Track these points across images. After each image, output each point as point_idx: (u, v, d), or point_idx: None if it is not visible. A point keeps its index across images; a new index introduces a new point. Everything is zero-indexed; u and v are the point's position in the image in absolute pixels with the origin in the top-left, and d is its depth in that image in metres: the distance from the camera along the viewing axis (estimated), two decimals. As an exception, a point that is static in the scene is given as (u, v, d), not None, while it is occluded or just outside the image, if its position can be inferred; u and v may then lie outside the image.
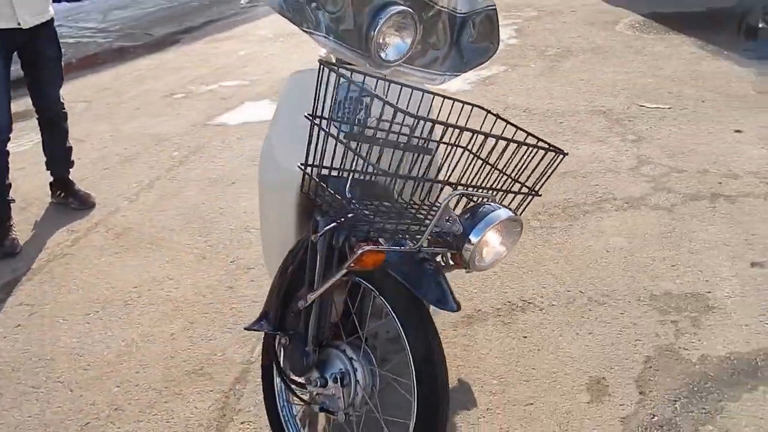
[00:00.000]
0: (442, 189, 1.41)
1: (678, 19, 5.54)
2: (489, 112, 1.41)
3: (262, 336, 1.64)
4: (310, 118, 1.35)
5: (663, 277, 2.31)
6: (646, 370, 1.92)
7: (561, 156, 1.34)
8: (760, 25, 5.36)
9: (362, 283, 1.48)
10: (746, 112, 3.60)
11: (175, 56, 5.93)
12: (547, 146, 1.32)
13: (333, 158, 1.37)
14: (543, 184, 1.35)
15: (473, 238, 1.25)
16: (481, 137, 1.27)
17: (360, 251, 1.26)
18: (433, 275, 1.33)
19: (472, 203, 1.35)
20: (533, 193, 1.37)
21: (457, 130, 1.24)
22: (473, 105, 1.44)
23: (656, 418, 1.76)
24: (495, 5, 1.63)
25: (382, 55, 1.48)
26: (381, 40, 1.46)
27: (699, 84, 4.05)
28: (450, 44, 1.64)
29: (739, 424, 1.72)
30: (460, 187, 1.30)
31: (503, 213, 1.28)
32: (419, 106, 1.40)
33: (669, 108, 3.71)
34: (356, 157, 1.31)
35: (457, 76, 1.69)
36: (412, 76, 1.62)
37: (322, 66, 1.34)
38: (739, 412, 1.75)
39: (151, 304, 2.41)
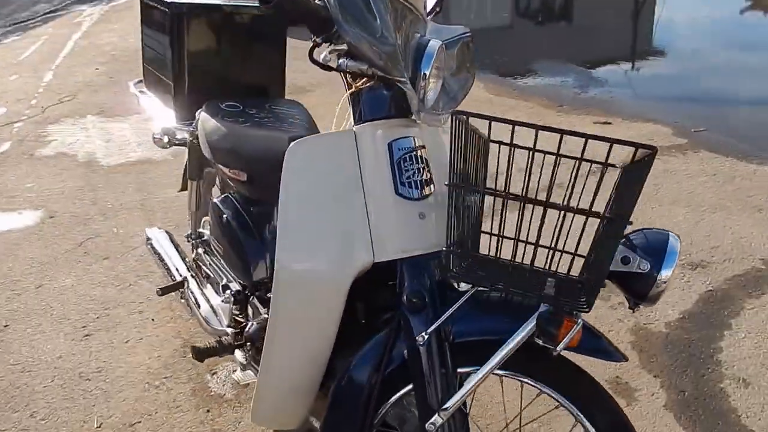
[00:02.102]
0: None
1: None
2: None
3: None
4: (456, 185, 1.03)
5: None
6: (642, 354, 1.99)
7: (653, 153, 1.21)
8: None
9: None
10: (505, 113, 4.09)
11: None
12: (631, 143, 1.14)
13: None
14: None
15: (665, 274, 1.03)
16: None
17: (575, 329, 1.00)
18: (586, 328, 1.10)
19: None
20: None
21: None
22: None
23: (686, 393, 1.84)
24: (470, 32, 1.48)
25: (428, 97, 1.20)
26: (427, 81, 1.18)
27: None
28: None
29: (739, 356, 1.94)
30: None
31: (672, 236, 1.12)
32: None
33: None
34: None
35: (450, 113, 1.49)
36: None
37: (454, 116, 1.02)
38: (731, 351, 1.97)
39: None
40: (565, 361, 1.11)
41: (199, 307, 1.86)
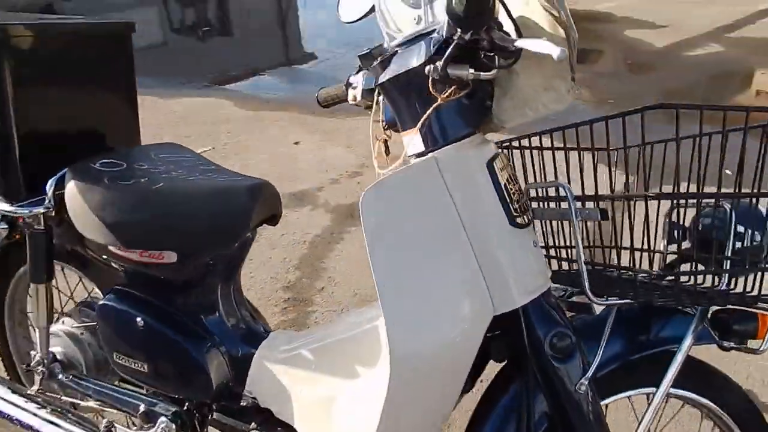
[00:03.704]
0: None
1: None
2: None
3: None
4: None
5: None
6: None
7: None
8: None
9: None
10: (274, 128, 3.92)
11: None
12: None
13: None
14: None
15: None
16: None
17: None
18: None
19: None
20: None
21: None
22: None
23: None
24: None
25: None
26: None
27: (198, 120, 4.07)
28: None
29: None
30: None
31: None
32: None
33: (212, 148, 3.60)
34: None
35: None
36: None
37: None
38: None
39: None
40: (712, 368, 1.07)
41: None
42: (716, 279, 0.94)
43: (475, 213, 0.91)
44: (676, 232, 1.01)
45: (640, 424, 0.98)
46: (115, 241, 1.19)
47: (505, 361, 1.07)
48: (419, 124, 0.91)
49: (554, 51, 0.74)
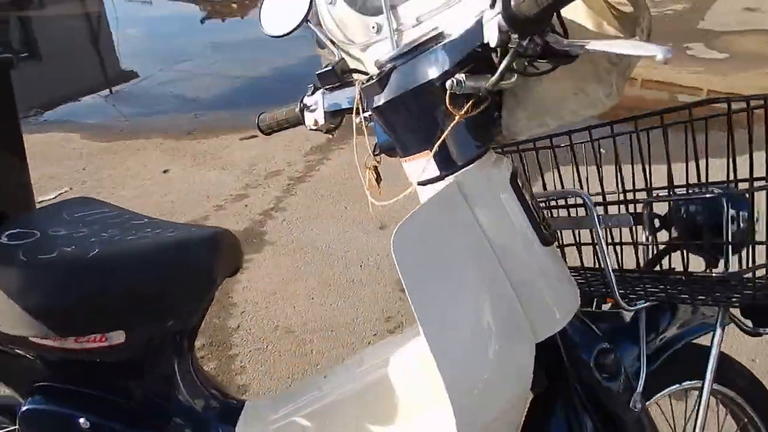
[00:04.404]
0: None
1: None
2: None
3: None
4: None
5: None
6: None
7: None
8: None
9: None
10: (135, 159, 3.58)
11: None
12: None
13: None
14: None
15: None
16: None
17: None
18: None
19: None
20: None
21: None
22: None
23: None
24: None
25: None
26: None
27: (44, 160, 3.62)
28: None
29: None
30: None
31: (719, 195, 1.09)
32: None
33: (70, 189, 3.21)
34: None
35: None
36: None
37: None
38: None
39: None
40: (727, 356, 1.07)
41: None
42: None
43: (504, 236, 0.81)
44: (657, 222, 1.00)
45: (696, 422, 0.95)
46: (42, 331, 0.94)
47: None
48: (435, 147, 0.79)
49: (658, 51, 0.60)
